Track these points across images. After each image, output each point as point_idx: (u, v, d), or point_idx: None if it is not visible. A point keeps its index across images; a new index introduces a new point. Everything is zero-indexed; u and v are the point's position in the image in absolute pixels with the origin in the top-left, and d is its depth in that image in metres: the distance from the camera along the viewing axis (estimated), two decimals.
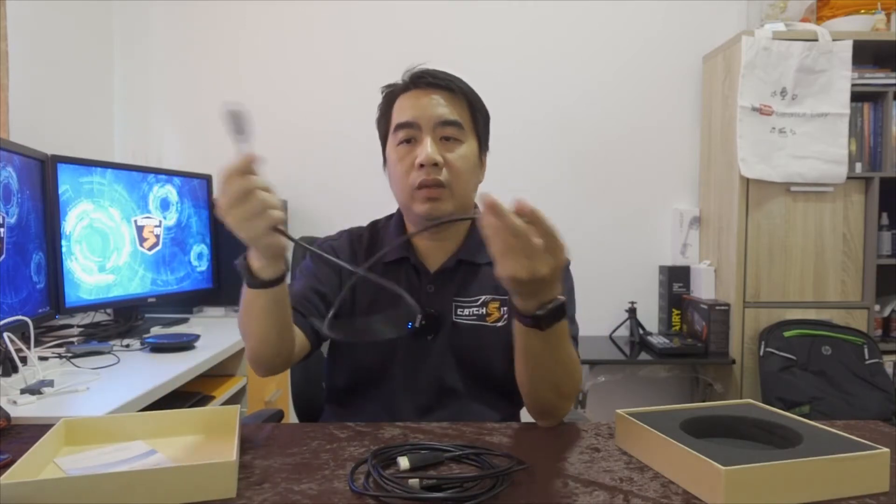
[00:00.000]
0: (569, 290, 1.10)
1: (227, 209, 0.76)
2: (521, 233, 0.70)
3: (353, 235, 1.15)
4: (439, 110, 1.02)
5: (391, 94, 1.08)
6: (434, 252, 1.09)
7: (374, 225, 1.18)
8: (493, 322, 1.06)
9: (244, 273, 0.85)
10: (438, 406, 1.04)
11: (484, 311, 1.06)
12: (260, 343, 0.92)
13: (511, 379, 1.03)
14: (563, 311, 0.78)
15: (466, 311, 1.06)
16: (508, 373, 1.03)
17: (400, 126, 1.03)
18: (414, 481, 0.66)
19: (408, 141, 1.03)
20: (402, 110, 1.04)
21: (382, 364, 1.06)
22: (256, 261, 0.83)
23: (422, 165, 1.00)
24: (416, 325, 1.04)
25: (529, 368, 0.87)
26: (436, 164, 1.00)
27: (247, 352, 0.96)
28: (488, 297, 1.07)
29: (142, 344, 1.68)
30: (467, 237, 1.10)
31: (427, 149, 1.00)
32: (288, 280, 0.91)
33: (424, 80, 1.04)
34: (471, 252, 1.09)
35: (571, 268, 1.13)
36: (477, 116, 1.08)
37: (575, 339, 1.04)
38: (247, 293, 0.87)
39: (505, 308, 1.07)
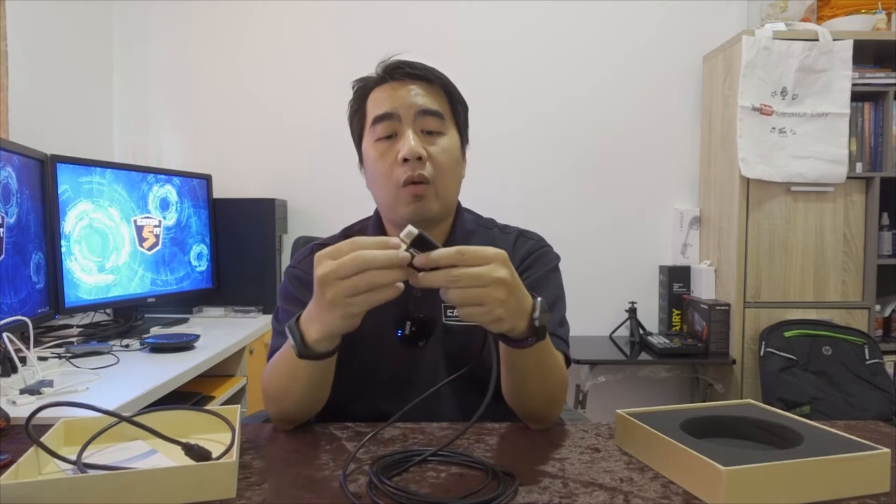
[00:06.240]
0: (557, 290, 1.05)
1: (334, 279, 0.70)
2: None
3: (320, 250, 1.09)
4: (419, 100, 0.96)
5: (364, 89, 1.01)
6: None
7: (348, 231, 1.11)
8: None
9: (298, 344, 0.78)
10: (433, 410, 1.02)
11: None
12: (294, 407, 0.87)
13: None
14: (547, 315, 0.78)
15: (457, 312, 1.03)
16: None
17: (378, 119, 0.96)
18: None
19: (388, 137, 0.96)
20: (379, 103, 0.97)
21: (372, 372, 1.01)
22: (317, 334, 0.76)
23: (405, 160, 0.93)
24: (406, 332, 1.00)
25: (518, 385, 0.86)
26: (420, 158, 0.93)
27: (274, 411, 0.89)
28: None
29: (141, 344, 1.68)
30: (450, 237, 1.04)
31: (410, 141, 0.93)
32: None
33: (400, 71, 0.97)
34: None
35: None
36: (457, 107, 1.03)
37: (566, 340, 1.01)
38: (291, 358, 0.80)
39: None
